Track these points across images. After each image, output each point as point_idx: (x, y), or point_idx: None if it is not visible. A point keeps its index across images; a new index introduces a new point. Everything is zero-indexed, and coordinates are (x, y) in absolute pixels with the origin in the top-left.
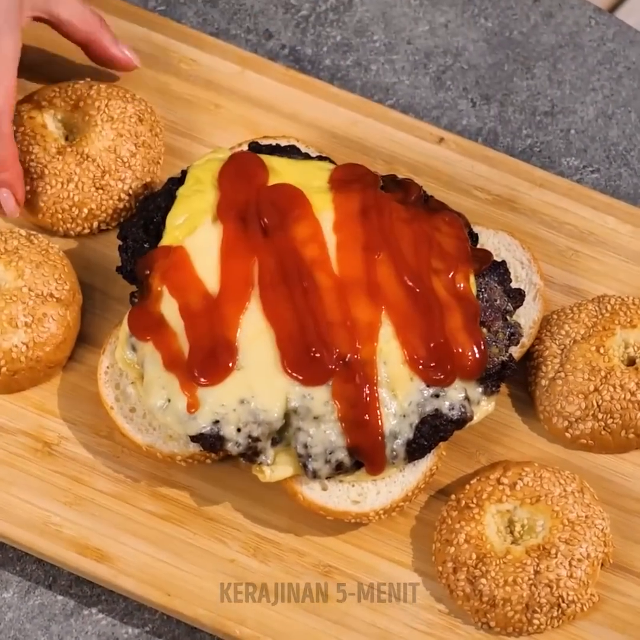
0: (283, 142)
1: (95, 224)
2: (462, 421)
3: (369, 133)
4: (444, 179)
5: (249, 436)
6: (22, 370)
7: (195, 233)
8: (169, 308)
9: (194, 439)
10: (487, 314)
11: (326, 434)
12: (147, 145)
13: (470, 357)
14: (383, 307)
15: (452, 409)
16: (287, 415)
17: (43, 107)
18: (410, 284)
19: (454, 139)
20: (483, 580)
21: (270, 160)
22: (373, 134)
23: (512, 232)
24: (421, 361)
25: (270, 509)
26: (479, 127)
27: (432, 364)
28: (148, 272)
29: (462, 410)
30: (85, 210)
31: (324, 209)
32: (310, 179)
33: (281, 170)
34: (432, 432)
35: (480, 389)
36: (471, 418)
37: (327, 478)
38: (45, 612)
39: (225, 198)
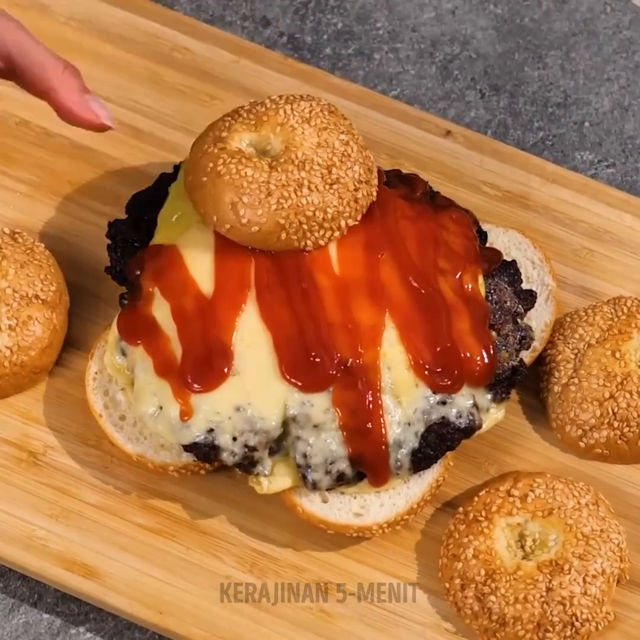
0: None
1: (343, 223)
2: (470, 429)
3: (372, 126)
4: (451, 174)
5: (245, 445)
6: (5, 375)
7: (189, 231)
8: (161, 310)
9: (187, 448)
10: (497, 316)
11: (327, 443)
12: (351, 133)
13: (478, 362)
14: (386, 309)
15: (460, 416)
16: (286, 423)
17: (226, 137)
18: (415, 284)
19: (461, 131)
20: (492, 598)
21: None
22: (376, 127)
23: (523, 230)
24: (427, 366)
25: (268, 523)
26: (488, 120)
27: (438, 369)
28: (139, 272)
29: (470, 418)
30: (330, 211)
31: None
32: None
33: None
34: (438, 441)
35: (489, 396)
36: (480, 426)
37: (327, 490)
38: (30, 632)
39: None
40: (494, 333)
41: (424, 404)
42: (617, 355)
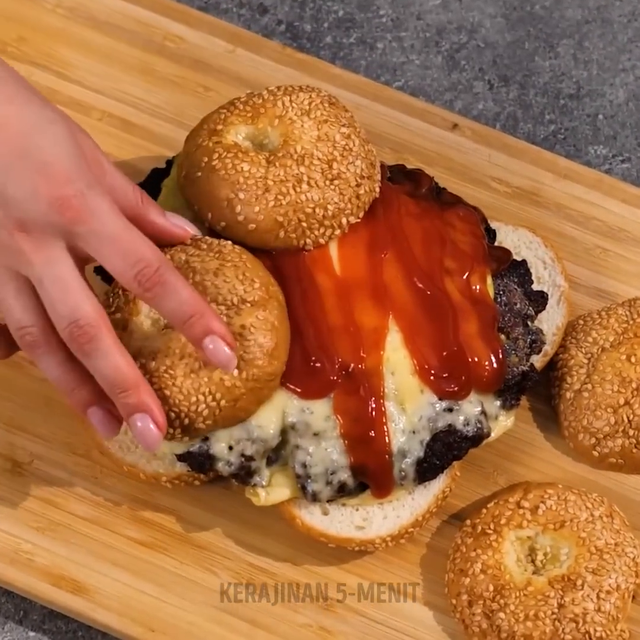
0: None
1: (344, 221)
2: (478, 438)
3: (374, 118)
4: (458, 169)
5: (242, 455)
6: (243, 396)
7: None
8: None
9: (181, 457)
10: (506, 319)
11: (327, 453)
12: (352, 125)
13: (487, 367)
14: (390, 311)
15: (467, 424)
16: (284, 431)
17: (221, 130)
18: (420, 285)
19: (469, 124)
20: (501, 615)
21: None
22: (379, 120)
23: (533, 229)
24: (433, 371)
25: (265, 536)
26: (497, 112)
27: (444, 375)
28: None
29: (478, 426)
30: (331, 207)
31: None
32: None
33: None
34: (444, 450)
35: (498, 403)
36: (488, 435)
37: (328, 501)
38: None
39: None
40: (503, 336)
41: (429, 411)
42: (633, 360)
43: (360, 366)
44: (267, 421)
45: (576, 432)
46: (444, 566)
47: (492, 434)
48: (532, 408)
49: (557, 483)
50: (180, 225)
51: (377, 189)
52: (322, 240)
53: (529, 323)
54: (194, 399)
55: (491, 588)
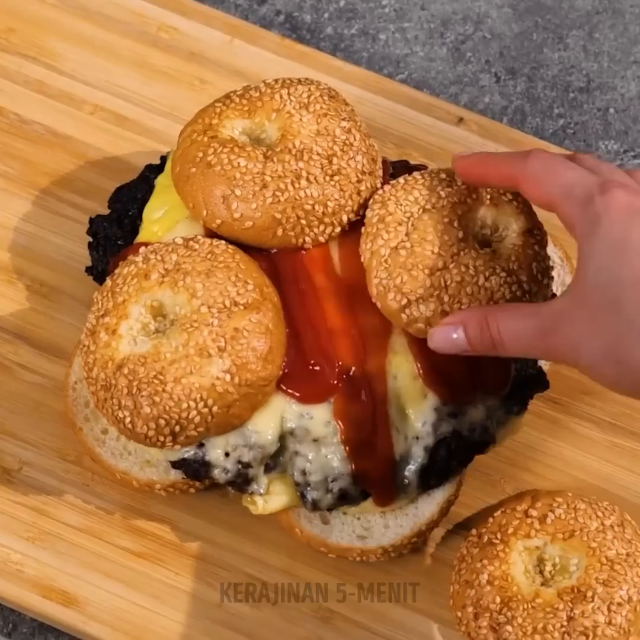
0: None
1: (344, 218)
2: (484, 444)
3: (377, 112)
4: None
5: (239, 461)
6: (236, 402)
7: (176, 228)
8: None
9: (176, 464)
10: None
11: (327, 459)
12: (353, 119)
13: (493, 371)
14: None
15: (473, 430)
16: (283, 437)
17: (217, 124)
18: None
19: (475, 119)
20: (508, 628)
21: None
22: (382, 114)
23: (542, 226)
24: (437, 375)
25: (263, 546)
26: (504, 106)
27: (449, 379)
28: None
29: (484, 431)
30: (331, 204)
31: None
32: None
33: None
34: (449, 456)
35: (505, 407)
36: (494, 440)
37: (328, 510)
38: None
39: None
40: None
41: (433, 416)
42: (456, 224)
43: (361, 369)
44: (264, 427)
45: (386, 290)
46: (449, 577)
47: (499, 440)
48: (540, 413)
49: (566, 491)
50: None
51: (379, 185)
52: (321, 239)
53: None
54: (184, 405)
55: (498, 600)
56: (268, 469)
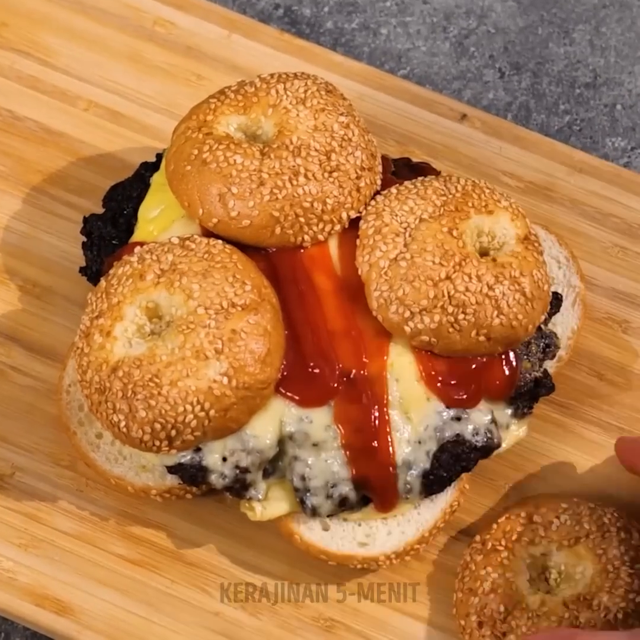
0: None
1: (344, 215)
2: (488, 449)
3: (378, 109)
4: (466, 162)
5: (237, 466)
6: (234, 405)
7: (173, 227)
8: None
9: (172, 469)
10: None
11: (327, 464)
12: (351, 114)
13: (497, 373)
14: None
15: (477, 434)
16: (282, 442)
17: (211, 120)
18: None
19: (478, 115)
20: (512, 637)
21: None
22: (383, 110)
23: (547, 226)
24: (440, 378)
25: (262, 553)
26: (508, 102)
27: (452, 382)
28: None
29: (488, 435)
30: (330, 201)
31: None
32: None
33: None
34: (452, 461)
35: (509, 411)
36: (499, 445)
37: (328, 516)
38: None
39: None
40: None
41: (436, 420)
42: (455, 233)
43: (362, 372)
44: (263, 431)
45: (388, 303)
46: (452, 585)
47: (503, 445)
48: (546, 416)
49: (571, 496)
50: None
51: (379, 182)
52: (320, 237)
53: (543, 326)
54: (180, 408)
55: (502, 609)
56: (266, 474)
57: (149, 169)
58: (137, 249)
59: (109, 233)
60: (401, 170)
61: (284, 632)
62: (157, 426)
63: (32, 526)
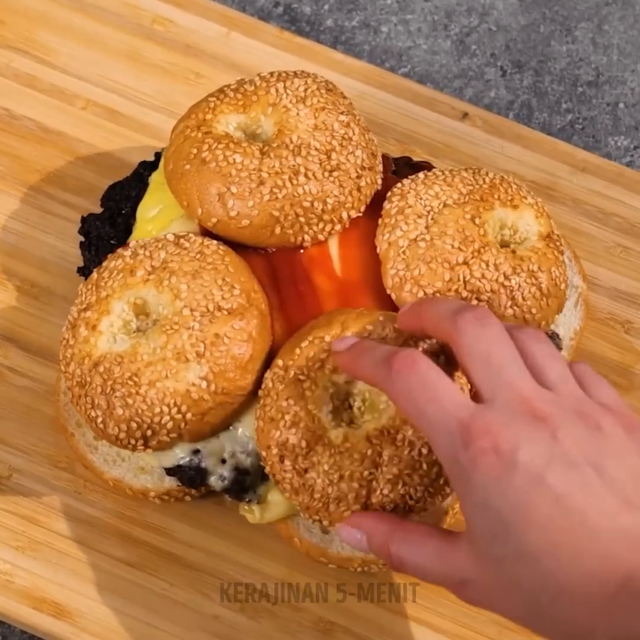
0: None
1: (344, 215)
2: None
3: (379, 107)
4: (468, 161)
5: (236, 468)
6: (211, 410)
7: (171, 227)
8: None
9: (170, 471)
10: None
11: None
12: (351, 113)
13: None
14: None
15: None
16: None
17: (211, 119)
18: None
19: (480, 114)
20: (313, 474)
21: None
22: (384, 109)
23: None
24: None
25: (261, 555)
26: (510, 100)
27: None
28: None
29: None
30: (330, 201)
31: None
32: None
33: None
34: None
35: None
36: None
37: None
38: None
39: None
40: None
41: None
42: (477, 221)
43: None
44: None
45: (403, 282)
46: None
47: None
48: None
49: (377, 312)
50: None
51: (379, 181)
52: (321, 237)
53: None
54: (157, 409)
55: (304, 444)
56: (266, 477)
57: (147, 168)
58: (132, 242)
59: (107, 233)
60: (402, 170)
61: (283, 635)
62: (133, 425)
63: (29, 528)
